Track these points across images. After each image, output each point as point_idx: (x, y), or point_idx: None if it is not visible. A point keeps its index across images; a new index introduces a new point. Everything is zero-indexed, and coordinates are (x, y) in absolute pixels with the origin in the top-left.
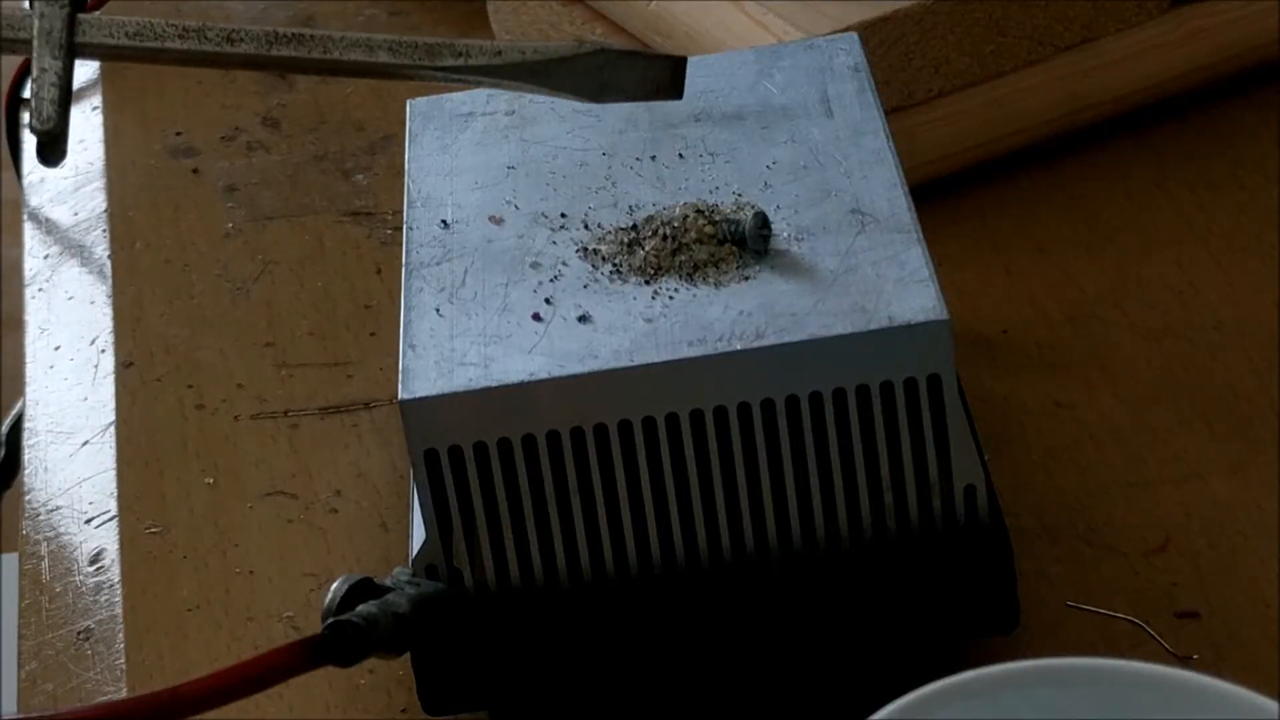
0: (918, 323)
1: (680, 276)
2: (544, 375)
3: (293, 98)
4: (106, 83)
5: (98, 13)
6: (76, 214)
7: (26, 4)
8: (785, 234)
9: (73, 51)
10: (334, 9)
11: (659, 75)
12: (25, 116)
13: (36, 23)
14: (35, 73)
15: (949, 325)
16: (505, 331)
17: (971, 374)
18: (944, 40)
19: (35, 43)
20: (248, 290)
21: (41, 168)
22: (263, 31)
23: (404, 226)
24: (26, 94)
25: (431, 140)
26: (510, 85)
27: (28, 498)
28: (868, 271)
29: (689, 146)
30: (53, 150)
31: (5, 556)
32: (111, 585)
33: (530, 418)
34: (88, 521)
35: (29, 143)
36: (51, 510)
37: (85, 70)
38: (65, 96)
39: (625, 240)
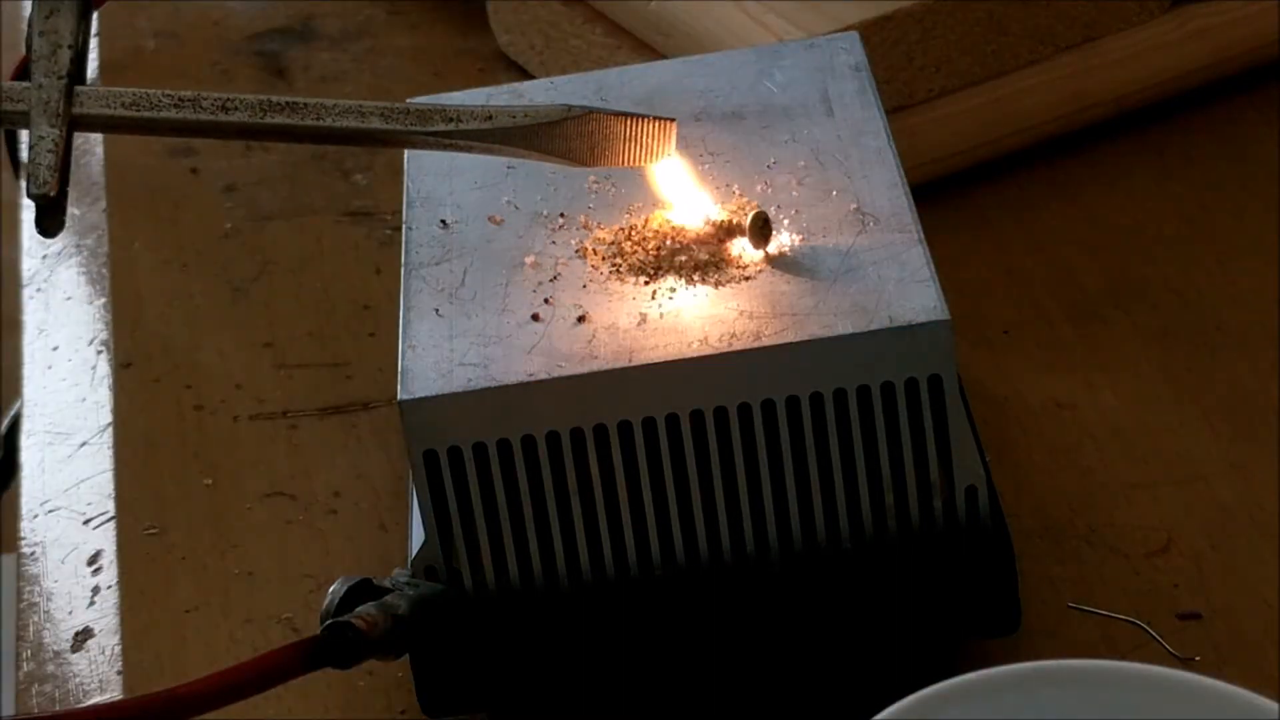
0: (919, 323)
1: (680, 276)
2: (543, 375)
3: None
4: (104, 83)
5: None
6: (76, 214)
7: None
8: (786, 234)
9: (72, 123)
10: (333, 8)
11: (649, 137)
12: None
13: (34, 94)
14: (32, 139)
15: (950, 325)
16: (504, 332)
17: (972, 374)
18: (945, 40)
19: (32, 113)
20: (247, 290)
21: None
22: (256, 100)
23: (403, 226)
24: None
25: None
26: (501, 151)
27: (25, 499)
28: (868, 271)
29: (689, 146)
30: (50, 216)
31: (4, 557)
32: (110, 586)
33: (530, 418)
34: (86, 522)
35: (28, 142)
36: (50, 511)
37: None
38: (63, 164)
39: (625, 240)
